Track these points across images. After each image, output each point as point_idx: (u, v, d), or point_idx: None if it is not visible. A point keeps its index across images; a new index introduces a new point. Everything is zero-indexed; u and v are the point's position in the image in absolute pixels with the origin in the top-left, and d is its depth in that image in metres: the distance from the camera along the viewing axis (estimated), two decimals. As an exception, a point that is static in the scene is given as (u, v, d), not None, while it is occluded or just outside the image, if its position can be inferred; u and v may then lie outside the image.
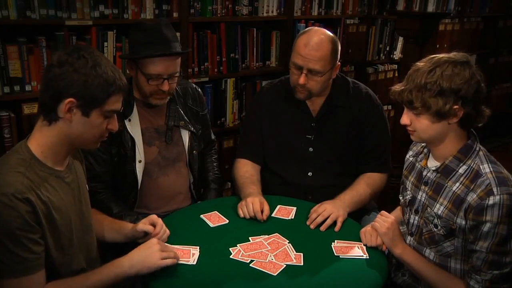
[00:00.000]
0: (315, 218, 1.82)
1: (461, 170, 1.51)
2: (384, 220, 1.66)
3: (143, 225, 1.63)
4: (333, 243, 1.70)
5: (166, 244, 1.59)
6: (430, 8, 3.94)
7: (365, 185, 2.05)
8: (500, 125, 4.79)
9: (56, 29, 2.31)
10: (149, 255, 1.47)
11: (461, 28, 4.20)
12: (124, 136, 1.97)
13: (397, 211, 1.87)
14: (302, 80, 1.96)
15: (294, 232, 1.76)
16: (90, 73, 1.33)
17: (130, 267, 1.46)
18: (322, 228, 1.79)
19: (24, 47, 2.24)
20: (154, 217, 1.67)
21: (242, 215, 1.86)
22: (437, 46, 3.98)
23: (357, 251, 1.66)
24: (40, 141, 1.38)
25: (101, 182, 1.95)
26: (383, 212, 1.72)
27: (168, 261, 1.50)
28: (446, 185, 1.54)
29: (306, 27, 3.13)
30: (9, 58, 2.21)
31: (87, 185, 1.61)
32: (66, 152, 1.44)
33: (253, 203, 1.85)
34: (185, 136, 2.12)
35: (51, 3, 2.27)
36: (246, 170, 2.12)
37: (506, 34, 4.67)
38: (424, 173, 1.63)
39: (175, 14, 2.68)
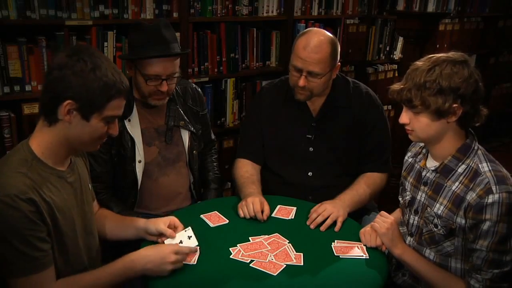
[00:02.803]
0: (315, 218, 1.82)
1: (460, 170, 1.51)
2: (384, 221, 1.66)
3: (164, 226, 1.61)
4: (333, 243, 1.70)
5: (179, 245, 1.56)
6: (430, 8, 3.95)
7: (365, 185, 2.05)
8: (500, 125, 4.79)
9: (56, 29, 2.31)
10: (163, 264, 1.47)
11: (461, 28, 4.20)
12: (124, 136, 1.97)
13: (397, 212, 1.87)
14: (301, 82, 1.96)
15: (294, 232, 1.76)
16: (89, 76, 1.32)
17: (142, 272, 1.47)
18: (322, 228, 1.79)
19: (24, 47, 2.24)
20: (175, 220, 1.66)
21: (242, 215, 1.85)
22: (437, 46, 3.98)
23: (357, 251, 1.66)
24: (41, 141, 1.38)
25: (101, 183, 1.95)
26: (383, 212, 1.72)
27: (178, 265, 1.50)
28: (445, 184, 1.54)
29: (306, 27, 3.13)
30: (9, 58, 2.21)
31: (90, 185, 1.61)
32: (66, 152, 1.44)
33: (253, 203, 1.85)
34: (185, 136, 2.12)
35: (51, 3, 2.27)
36: (246, 170, 2.12)
37: (506, 34, 4.66)
38: (423, 173, 1.62)
39: (175, 14, 2.67)
